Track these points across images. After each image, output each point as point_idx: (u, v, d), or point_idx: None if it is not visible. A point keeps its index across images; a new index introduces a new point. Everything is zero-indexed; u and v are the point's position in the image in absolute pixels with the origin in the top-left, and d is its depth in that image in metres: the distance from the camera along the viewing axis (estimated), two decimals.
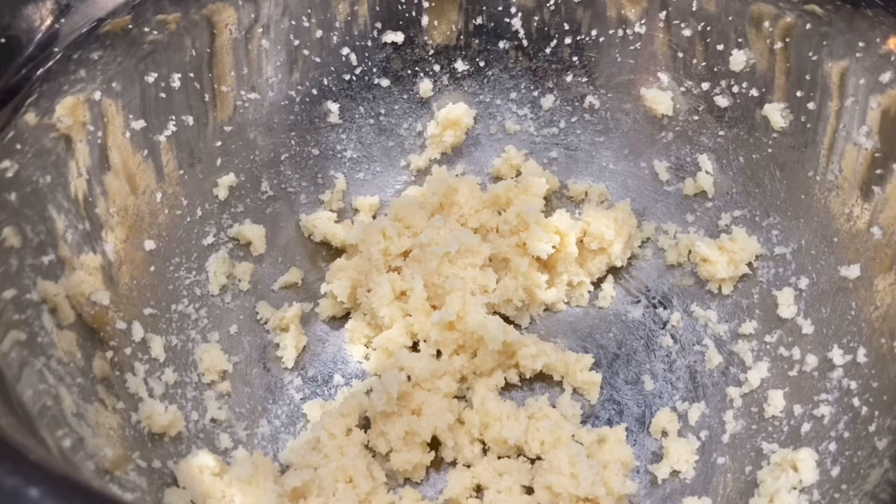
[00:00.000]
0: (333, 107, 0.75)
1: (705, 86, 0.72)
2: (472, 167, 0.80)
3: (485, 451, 0.68)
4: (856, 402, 0.60)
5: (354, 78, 0.75)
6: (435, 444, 0.68)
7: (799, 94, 0.67)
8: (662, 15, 0.72)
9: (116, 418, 0.58)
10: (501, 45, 0.76)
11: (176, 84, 0.66)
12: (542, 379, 0.73)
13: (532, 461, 0.67)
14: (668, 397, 0.71)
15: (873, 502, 0.53)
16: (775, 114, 0.68)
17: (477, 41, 0.76)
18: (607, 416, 0.71)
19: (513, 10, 0.75)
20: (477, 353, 0.70)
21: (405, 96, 0.77)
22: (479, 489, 0.67)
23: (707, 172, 0.73)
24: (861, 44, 0.62)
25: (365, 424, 0.69)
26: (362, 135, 0.77)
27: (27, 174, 0.56)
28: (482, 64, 0.77)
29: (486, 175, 0.80)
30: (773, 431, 0.65)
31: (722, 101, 0.71)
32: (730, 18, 0.69)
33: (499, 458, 0.68)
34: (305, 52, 0.73)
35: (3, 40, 0.57)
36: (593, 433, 0.68)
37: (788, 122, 0.68)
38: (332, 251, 0.77)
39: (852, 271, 0.64)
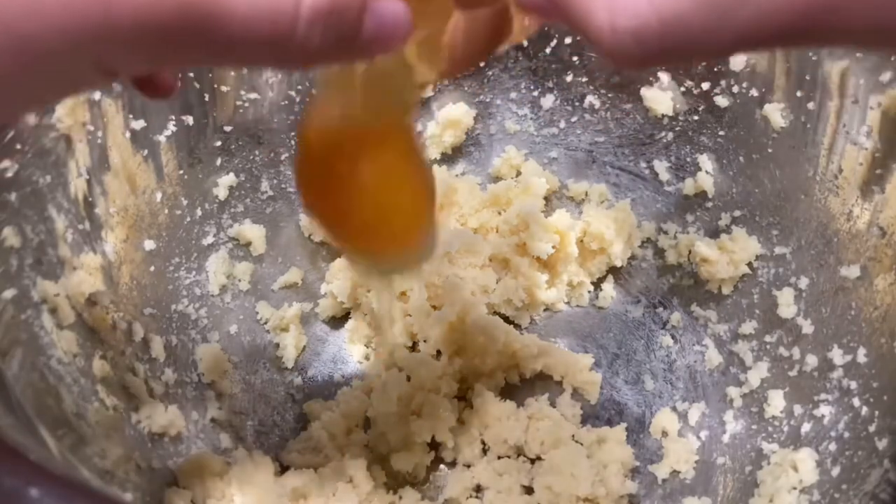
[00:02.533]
0: None
1: (705, 86, 0.72)
2: (472, 167, 0.80)
3: (485, 451, 0.68)
4: (856, 402, 0.60)
5: None
6: (435, 444, 0.68)
7: (799, 94, 0.67)
8: None
9: (116, 418, 0.58)
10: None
11: None
12: (542, 379, 0.73)
13: (532, 461, 0.67)
14: (668, 397, 0.71)
15: (873, 502, 0.53)
16: (775, 114, 0.68)
17: None
18: (607, 416, 0.71)
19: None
20: (477, 353, 0.70)
21: None
22: (479, 489, 0.67)
23: (707, 172, 0.73)
24: None
25: (365, 424, 0.69)
26: None
27: (27, 174, 0.56)
28: (482, 64, 0.77)
29: (486, 175, 0.80)
30: (773, 431, 0.65)
31: (722, 101, 0.71)
32: None
33: (499, 458, 0.68)
34: None
35: None
36: (593, 433, 0.68)
37: (788, 122, 0.68)
38: (332, 251, 0.77)
39: (852, 271, 0.64)
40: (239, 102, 0.71)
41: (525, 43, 0.76)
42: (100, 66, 0.32)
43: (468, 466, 0.67)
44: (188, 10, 0.31)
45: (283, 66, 0.35)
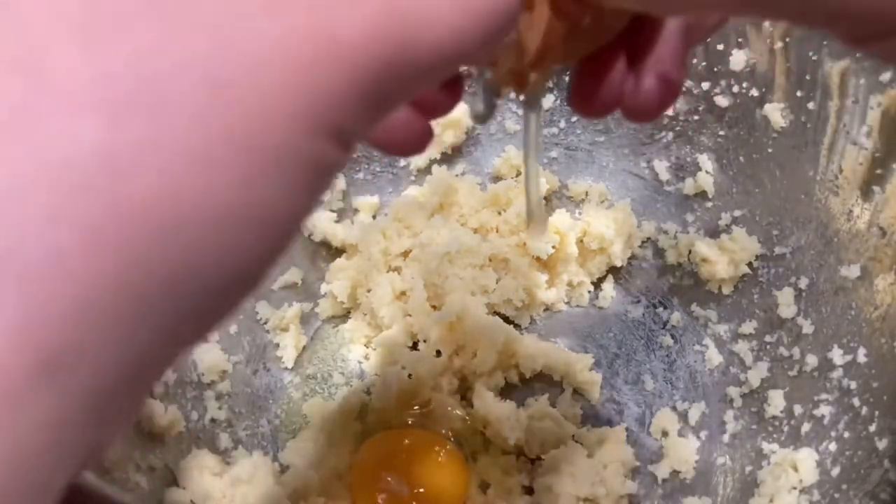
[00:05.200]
0: None
1: (705, 86, 0.72)
2: (472, 167, 0.80)
3: (486, 448, 0.68)
4: (856, 402, 0.60)
5: None
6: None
7: (799, 94, 0.67)
8: None
9: None
10: None
11: None
12: (542, 379, 0.73)
13: (532, 461, 0.67)
14: (668, 397, 0.71)
15: (873, 502, 0.53)
16: (775, 114, 0.68)
17: None
18: (607, 416, 0.71)
19: None
20: (477, 353, 0.70)
21: None
22: (483, 486, 0.67)
23: (707, 172, 0.73)
24: None
25: (362, 416, 0.69)
26: None
27: None
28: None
29: (486, 175, 0.80)
30: (773, 431, 0.65)
31: (722, 101, 0.71)
32: (730, 18, 0.69)
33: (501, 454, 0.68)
34: None
35: None
36: (593, 433, 0.68)
37: (788, 122, 0.68)
38: (332, 251, 0.77)
39: (852, 271, 0.64)
40: None
41: None
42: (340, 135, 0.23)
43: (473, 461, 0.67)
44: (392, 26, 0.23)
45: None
